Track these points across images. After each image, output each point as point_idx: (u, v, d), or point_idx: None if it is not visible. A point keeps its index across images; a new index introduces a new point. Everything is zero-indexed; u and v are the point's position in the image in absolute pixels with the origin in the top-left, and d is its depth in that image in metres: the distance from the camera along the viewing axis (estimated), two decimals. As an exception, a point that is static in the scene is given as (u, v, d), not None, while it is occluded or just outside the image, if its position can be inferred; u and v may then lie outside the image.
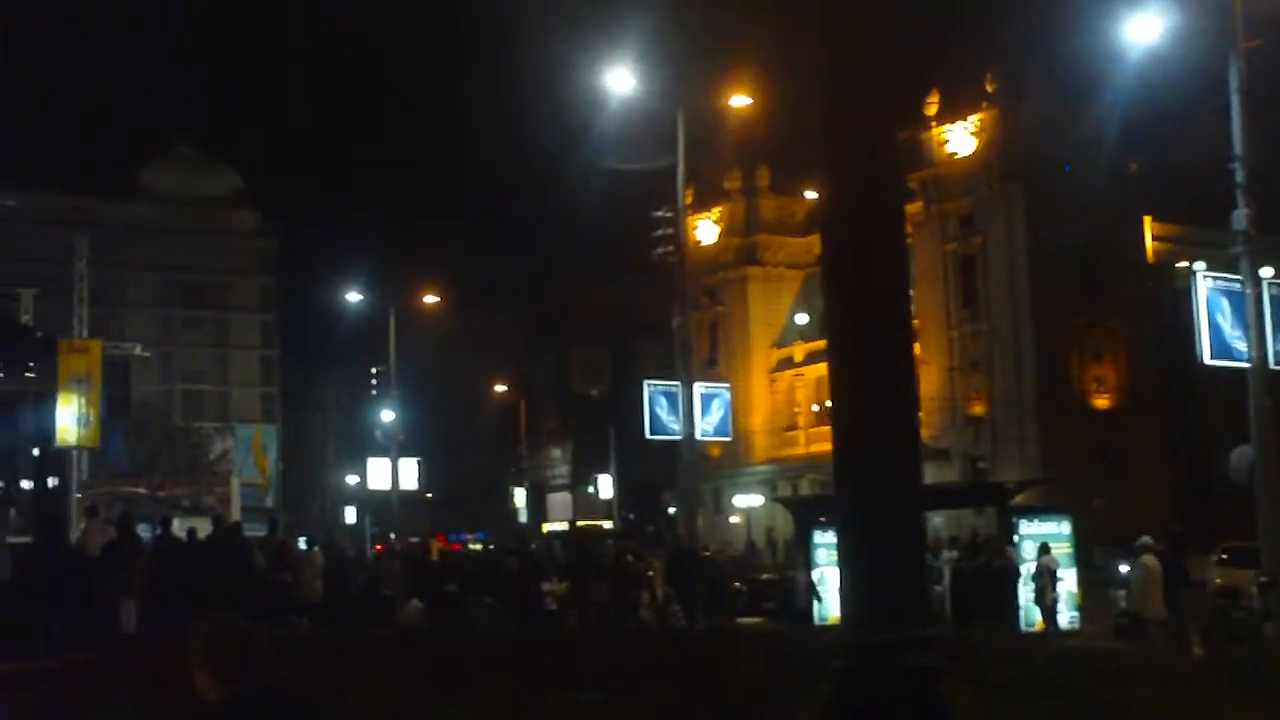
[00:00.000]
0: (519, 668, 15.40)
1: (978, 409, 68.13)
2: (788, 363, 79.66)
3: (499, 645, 19.48)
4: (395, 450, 65.07)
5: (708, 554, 36.53)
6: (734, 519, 77.29)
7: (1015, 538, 28.25)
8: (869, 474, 7.05)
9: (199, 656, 5.46)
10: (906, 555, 6.84)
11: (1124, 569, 26.61)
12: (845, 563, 7.15)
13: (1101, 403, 67.90)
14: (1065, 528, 29.17)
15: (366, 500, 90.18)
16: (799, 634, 24.92)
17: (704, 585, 31.55)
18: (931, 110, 69.59)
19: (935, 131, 69.74)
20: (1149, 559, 24.52)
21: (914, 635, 6.66)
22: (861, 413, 7.16)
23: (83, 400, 43.62)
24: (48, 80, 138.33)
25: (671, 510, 66.86)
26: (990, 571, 27.78)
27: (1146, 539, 25.41)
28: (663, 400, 48.72)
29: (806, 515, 32.47)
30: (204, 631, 5.53)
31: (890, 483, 6.90)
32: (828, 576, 28.67)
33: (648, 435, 50.83)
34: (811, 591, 28.22)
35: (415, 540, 49.42)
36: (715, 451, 68.98)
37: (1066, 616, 27.71)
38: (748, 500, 76.69)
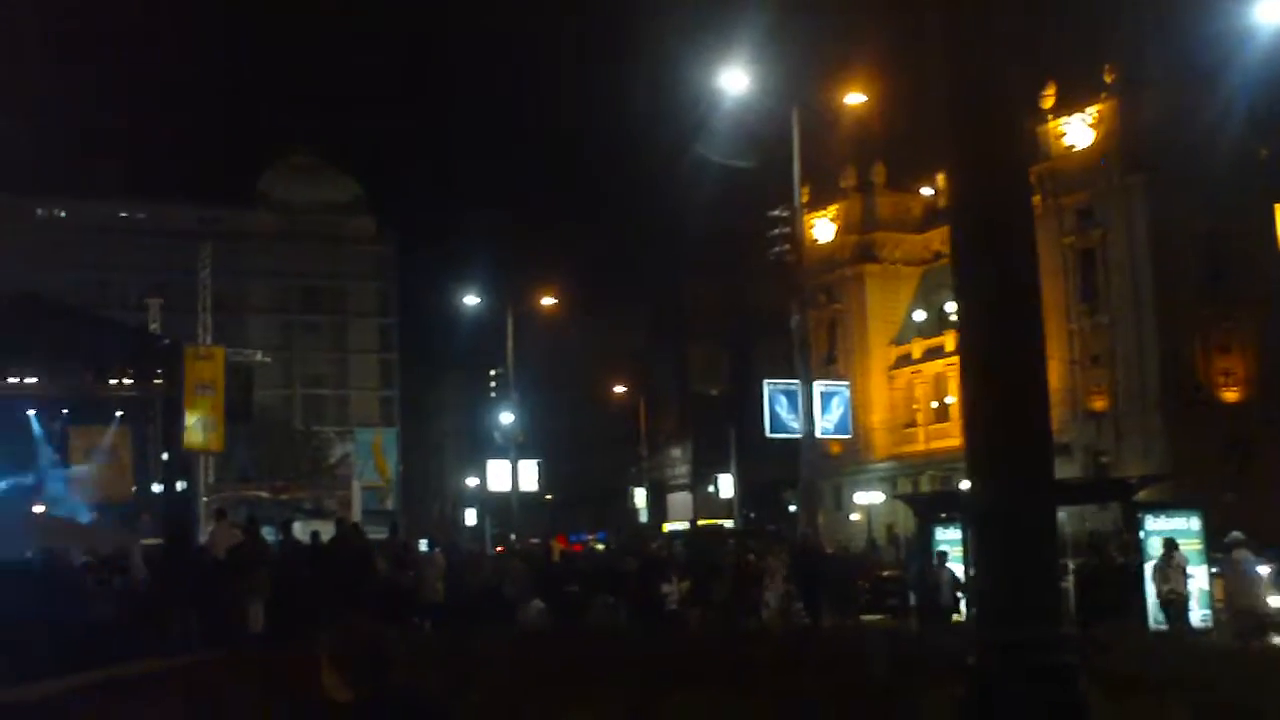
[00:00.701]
0: (640, 668, 15.35)
1: (1099, 403, 67.21)
2: (906, 360, 79.08)
3: (620, 645, 19.44)
4: (515, 452, 65.35)
5: (830, 551, 36.32)
6: (854, 516, 76.80)
7: (1141, 534, 27.75)
8: (1003, 469, 6.91)
9: (330, 658, 5.51)
10: (1040, 552, 6.71)
11: (1262, 569, 25.92)
12: (978, 559, 7.06)
13: (1230, 395, 66.65)
14: (1195, 523, 28.45)
15: (486, 502, 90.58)
16: (924, 631, 24.71)
17: (832, 583, 31.36)
18: (1047, 103, 68.72)
19: (1051, 124, 68.85)
20: (1240, 554, 24.07)
21: (1051, 633, 6.53)
22: (995, 407, 7.02)
23: (207, 405, 44.23)
24: (169, 93, 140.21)
25: (792, 508, 66.60)
26: (1115, 569, 27.33)
27: (1237, 534, 24.93)
28: (782, 399, 48.56)
29: (928, 512, 32.09)
30: (335, 634, 5.57)
31: (1024, 477, 6.76)
32: (950, 573, 28.40)
33: (768, 434, 50.68)
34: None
35: (535, 541, 49.58)
36: (835, 449, 68.59)
37: (1199, 615, 27.12)
38: (868, 497, 76.19)
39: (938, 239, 77.20)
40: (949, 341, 72.81)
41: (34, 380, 44.63)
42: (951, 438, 71.98)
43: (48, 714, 16.57)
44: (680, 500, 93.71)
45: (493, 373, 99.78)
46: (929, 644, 18.41)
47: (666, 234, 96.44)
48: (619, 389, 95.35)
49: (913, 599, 31.88)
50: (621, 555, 35.60)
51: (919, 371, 77.93)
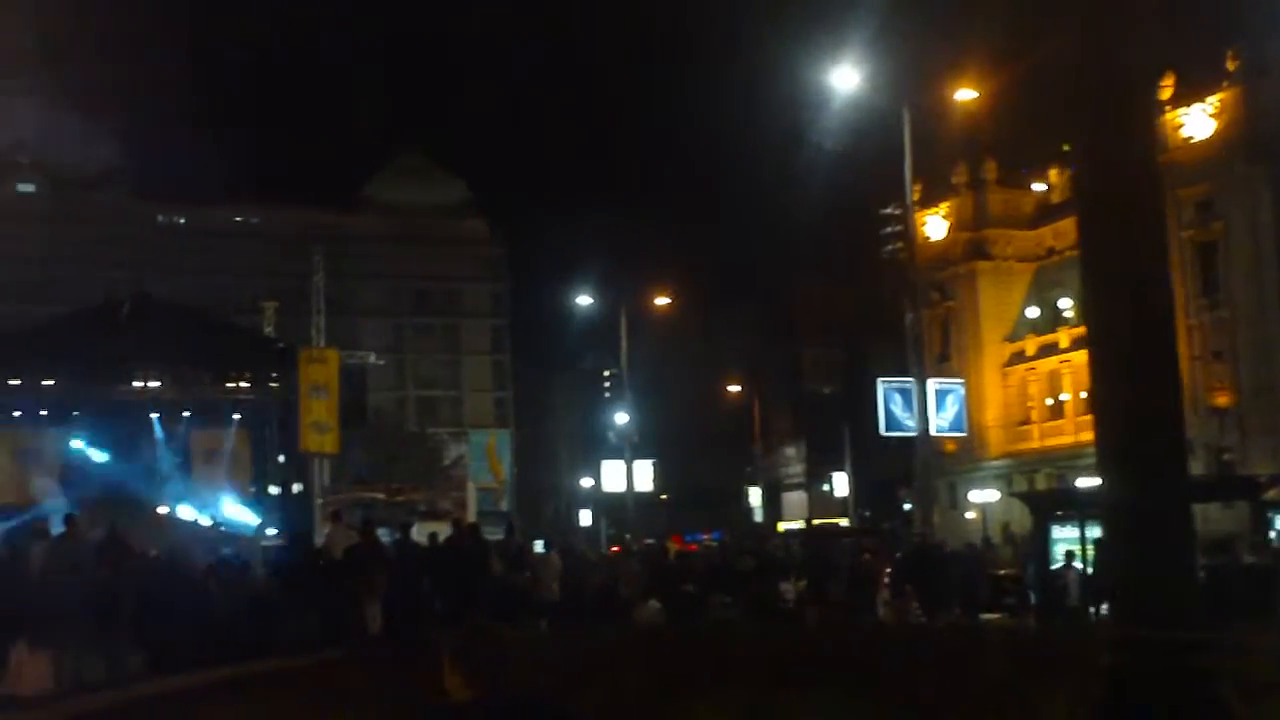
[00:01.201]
0: (758, 667, 15.29)
1: (1222, 400, 66.06)
2: (1020, 357, 78.24)
3: (738, 644, 19.37)
4: (630, 452, 65.42)
5: (949, 549, 35.97)
6: (970, 514, 76.10)
7: (1271, 533, 27.28)
8: (1136, 465, 6.75)
9: (451, 658, 5.54)
10: (1177, 550, 6.55)
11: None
12: (1110, 558, 6.92)
13: (1361, 390, 65.36)
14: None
15: (601, 502, 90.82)
16: (1046, 630, 24.43)
17: (953, 581, 31.07)
18: (1165, 94, 67.75)
19: (1169, 116, 67.85)
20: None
21: (1192, 634, 6.38)
22: (1127, 402, 6.86)
23: (322, 408, 44.64)
24: (279, 98, 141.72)
25: (907, 506, 66.19)
26: (1244, 568, 26.85)
27: None
28: (896, 397, 48.33)
29: (1045, 510, 31.78)
30: (457, 634, 5.61)
31: (1158, 473, 6.61)
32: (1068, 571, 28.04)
33: (882, 432, 50.44)
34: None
35: (650, 541, 49.60)
36: (950, 447, 68.02)
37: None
38: (983, 495, 75.50)
39: (1050, 235, 76.35)
40: (1063, 338, 72.02)
41: (156, 384, 45.31)
42: (1066, 435, 71.24)
43: (174, 709, 16.79)
44: (795, 499, 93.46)
45: (606, 373, 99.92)
46: (1051, 643, 18.20)
47: (779, 233, 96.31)
48: (733, 388, 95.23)
49: (1033, 598, 31.57)
50: (738, 555, 35.47)
51: (1033, 368, 77.09)
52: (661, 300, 69.64)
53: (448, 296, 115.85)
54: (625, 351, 61.32)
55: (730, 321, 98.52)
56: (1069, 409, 72.44)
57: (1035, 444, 76.11)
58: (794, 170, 68.51)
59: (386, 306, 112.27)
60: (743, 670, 14.81)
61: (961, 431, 55.10)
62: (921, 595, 30.41)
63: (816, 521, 78.29)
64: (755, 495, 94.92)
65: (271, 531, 40.68)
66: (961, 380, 60.24)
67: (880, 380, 50.43)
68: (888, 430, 49.68)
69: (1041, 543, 30.81)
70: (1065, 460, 68.50)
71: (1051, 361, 74.50)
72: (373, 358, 69.90)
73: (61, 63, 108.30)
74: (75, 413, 46.27)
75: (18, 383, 44.10)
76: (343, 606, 24.61)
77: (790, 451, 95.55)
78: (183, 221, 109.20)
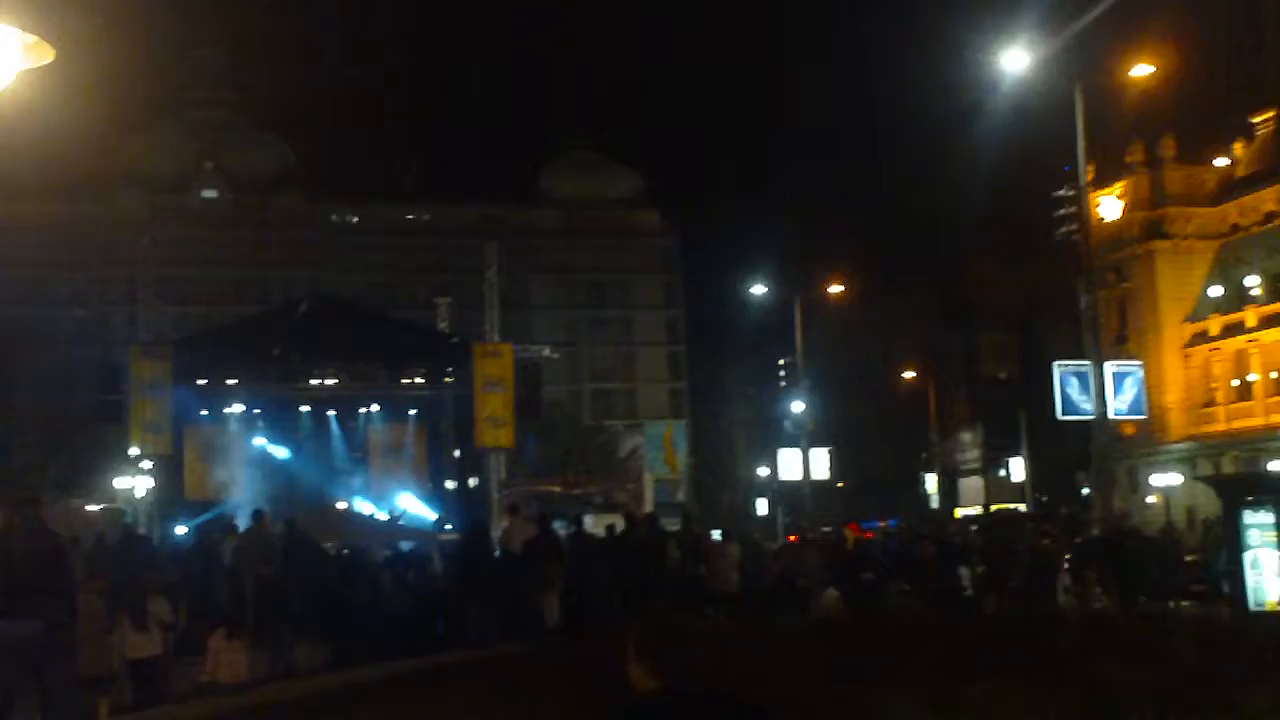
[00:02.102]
0: (940, 654, 15.06)
1: None
2: (1202, 337, 76.58)
3: (919, 633, 19.13)
4: (806, 440, 65.12)
5: (1133, 533, 35.24)
6: (1151, 499, 74.72)
7: None
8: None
9: (636, 650, 5.54)
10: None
11: None
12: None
13: None
14: None
15: (778, 491, 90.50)
16: (1239, 619, 23.78)
17: (1144, 568, 30.40)
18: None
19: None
20: None
21: None
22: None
23: (498, 402, 44.88)
24: (451, 95, 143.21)
25: (1085, 491, 65.10)
26: None
27: None
28: (1073, 380, 47.56)
29: (1234, 494, 30.92)
30: (642, 626, 5.62)
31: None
32: (1261, 559, 27.26)
33: (1059, 416, 49.69)
34: None
35: (827, 529, 49.29)
36: (1129, 430, 66.74)
37: None
38: (1165, 479, 74.07)
39: (1235, 211, 74.62)
40: (1250, 316, 70.43)
41: (333, 382, 45.98)
42: (1255, 417, 69.65)
43: (357, 702, 16.96)
44: (971, 485, 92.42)
45: (781, 362, 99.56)
46: (1246, 632, 17.74)
47: (952, 218, 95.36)
48: (908, 375, 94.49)
49: (1225, 586, 30.77)
50: (917, 542, 35.08)
51: (1217, 349, 75.39)
52: (836, 287, 69.23)
53: (621, 289, 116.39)
54: (800, 339, 61.04)
55: (905, 308, 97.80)
56: (1258, 390, 70.85)
57: (1220, 426, 74.46)
58: (966, 154, 67.75)
59: (560, 300, 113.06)
60: (925, 659, 14.59)
61: (1141, 414, 53.98)
62: (1112, 581, 29.76)
63: (995, 507, 77.33)
64: (931, 481, 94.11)
65: (448, 526, 41.02)
66: (1140, 362, 59.00)
67: (1056, 364, 49.62)
68: (1065, 414, 48.90)
69: (1232, 529, 29.98)
70: (1255, 443, 67.01)
71: (1238, 341, 72.84)
72: (547, 351, 70.29)
73: (240, 71, 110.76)
74: (257, 411, 47.12)
75: (204, 383, 45.01)
76: (521, 599, 24.75)
77: (966, 437, 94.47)
78: (356, 221, 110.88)
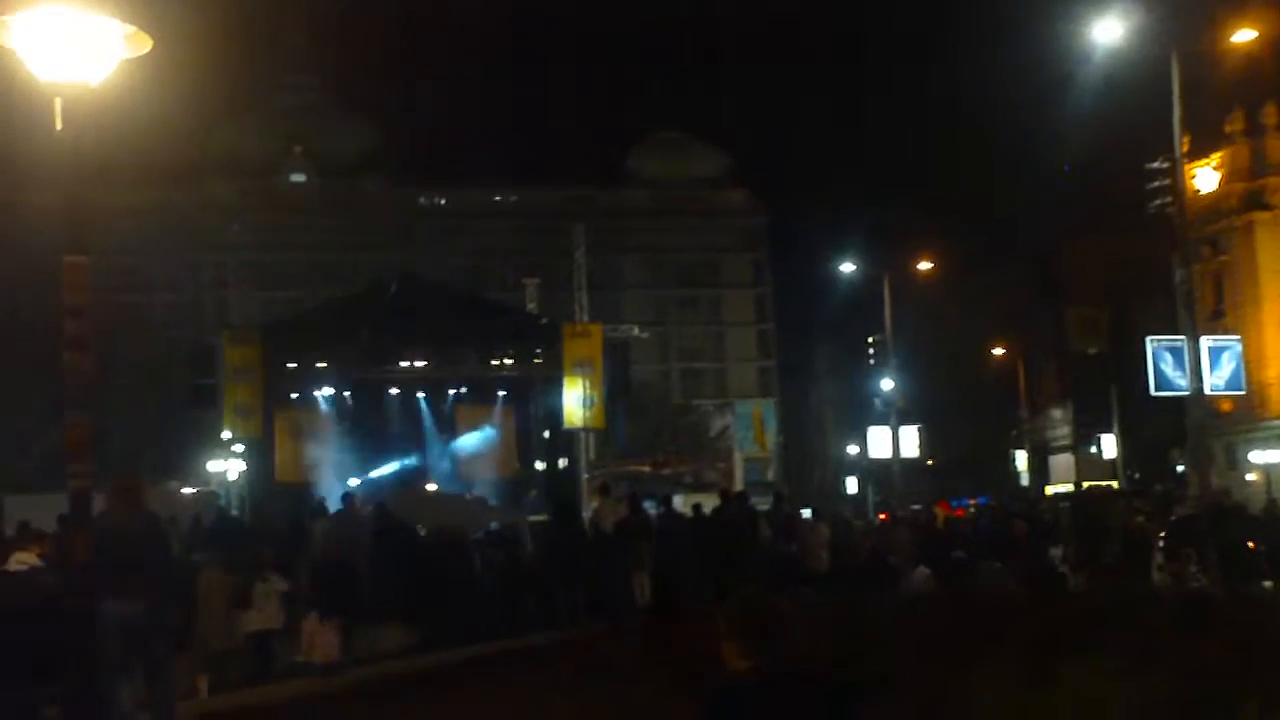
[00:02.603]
0: (1033, 633, 14.95)
1: None
2: (1305, 310, 75.53)
3: (1012, 611, 19.00)
4: (895, 418, 64.83)
5: (1236, 511, 34.74)
6: (1251, 476, 73.73)
7: None
8: None
9: (728, 629, 5.56)
10: None
11: None
12: None
13: None
14: None
15: (867, 469, 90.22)
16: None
17: (1247, 546, 29.96)
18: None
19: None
20: None
21: None
22: None
23: (586, 383, 44.90)
24: (538, 76, 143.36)
25: (1180, 468, 64.39)
26: None
27: None
28: (1167, 356, 47.02)
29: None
30: (734, 605, 5.63)
31: None
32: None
33: (1152, 392, 49.14)
34: None
35: (917, 507, 49.08)
36: (1226, 406, 65.83)
37: None
38: (1265, 456, 73.05)
39: (1339, 181, 73.44)
40: (1354, 290, 69.41)
41: (422, 364, 46.18)
42: (1360, 391, 68.69)
43: (449, 681, 17.07)
44: (1062, 462, 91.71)
45: (870, 339, 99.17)
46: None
47: (1042, 192, 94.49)
48: (997, 351, 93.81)
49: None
50: (1009, 519, 34.84)
51: (1320, 322, 74.34)
52: (924, 264, 68.80)
53: (709, 268, 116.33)
54: (889, 316, 60.73)
55: (994, 283, 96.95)
56: (1366, 365, 69.86)
57: (1325, 402, 73.43)
58: (1057, 125, 67.12)
59: (648, 280, 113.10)
60: (1019, 638, 14.48)
61: (1239, 390, 53.23)
62: (1211, 560, 29.37)
63: (1087, 484, 76.63)
64: (1021, 459, 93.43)
65: (538, 507, 41.15)
66: (1238, 337, 58.19)
67: (1150, 339, 49.04)
68: (1158, 390, 48.34)
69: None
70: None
71: (1340, 314, 71.79)
72: (636, 331, 70.32)
73: (327, 56, 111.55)
74: (346, 393, 47.45)
75: (293, 366, 45.36)
76: (611, 579, 24.82)
77: (1056, 414, 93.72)
78: (443, 203, 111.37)
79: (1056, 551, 31.76)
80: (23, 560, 11.71)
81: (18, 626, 10.93)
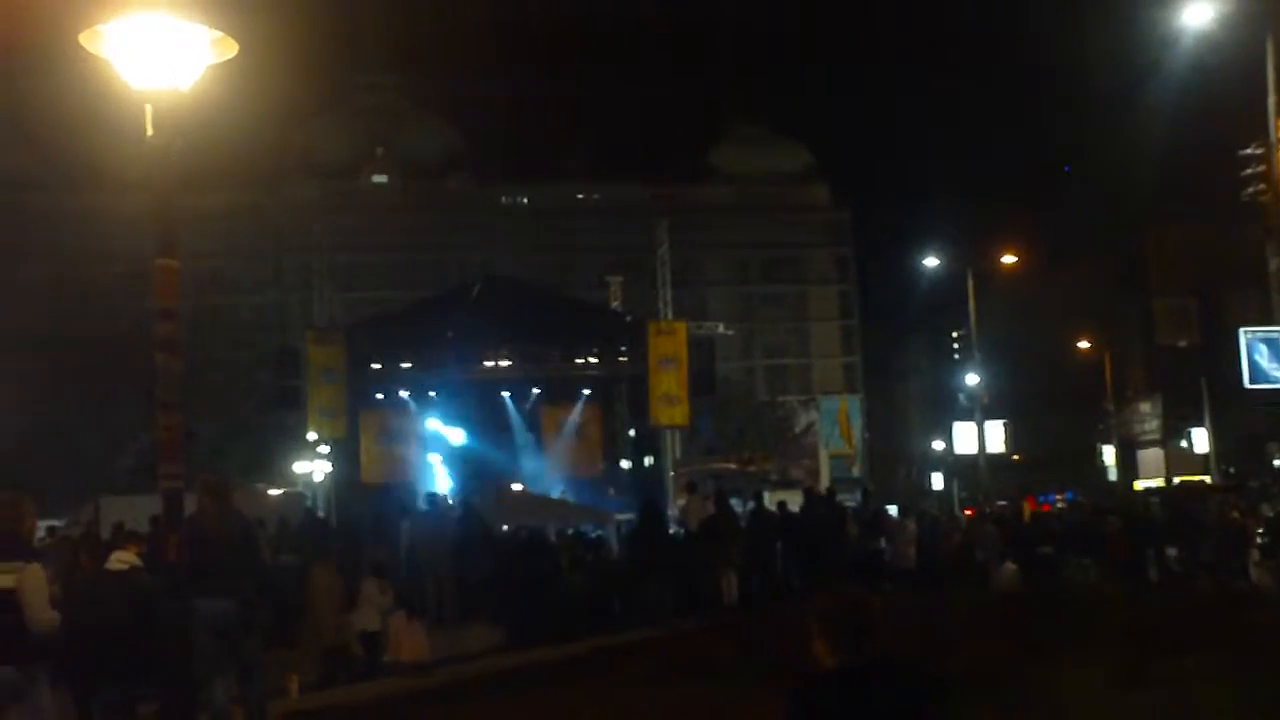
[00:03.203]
0: (1126, 631, 14.79)
1: None
2: None
3: (1103, 606, 18.82)
4: (980, 413, 64.44)
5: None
6: (1350, 470, 72.64)
7: None
8: None
9: (817, 625, 5.54)
10: None
11: None
12: None
13: None
14: None
15: (952, 465, 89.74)
16: None
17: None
18: None
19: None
20: None
21: None
22: None
23: (672, 380, 44.78)
24: (620, 73, 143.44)
25: (1277, 463, 63.59)
26: None
27: None
28: (1261, 348, 46.38)
29: None
30: (823, 602, 5.61)
31: None
32: None
33: (1245, 385, 48.50)
34: None
35: (1003, 503, 48.77)
36: (1324, 398, 64.95)
37: None
38: (1365, 450, 71.94)
39: None
40: None
41: (507, 363, 46.24)
42: None
43: (537, 679, 17.10)
44: (1151, 457, 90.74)
45: (954, 334, 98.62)
46: None
47: (1129, 182, 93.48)
48: (1083, 344, 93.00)
49: None
50: (1100, 515, 34.48)
51: None
52: (1008, 257, 68.30)
53: (793, 264, 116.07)
54: (973, 311, 60.34)
55: (1079, 275, 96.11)
56: None
57: None
58: (1144, 113, 66.44)
59: (732, 276, 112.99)
60: (1110, 635, 14.33)
61: (1342, 381, 52.45)
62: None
63: (1179, 479, 75.80)
64: (1109, 453, 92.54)
65: (624, 505, 41.15)
66: (1338, 327, 57.39)
67: (1243, 330, 48.39)
68: (1252, 383, 47.66)
69: None
70: None
71: None
72: (721, 328, 70.20)
73: (408, 56, 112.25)
74: (431, 393, 47.61)
75: (378, 367, 45.53)
76: (698, 577, 24.80)
77: (1145, 407, 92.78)
78: (526, 201, 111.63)
79: (1172, 551, 31.26)
80: (123, 560, 11.84)
81: (118, 624, 11.07)
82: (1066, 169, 62.68)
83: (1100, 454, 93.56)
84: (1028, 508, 42.68)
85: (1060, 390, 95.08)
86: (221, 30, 9.49)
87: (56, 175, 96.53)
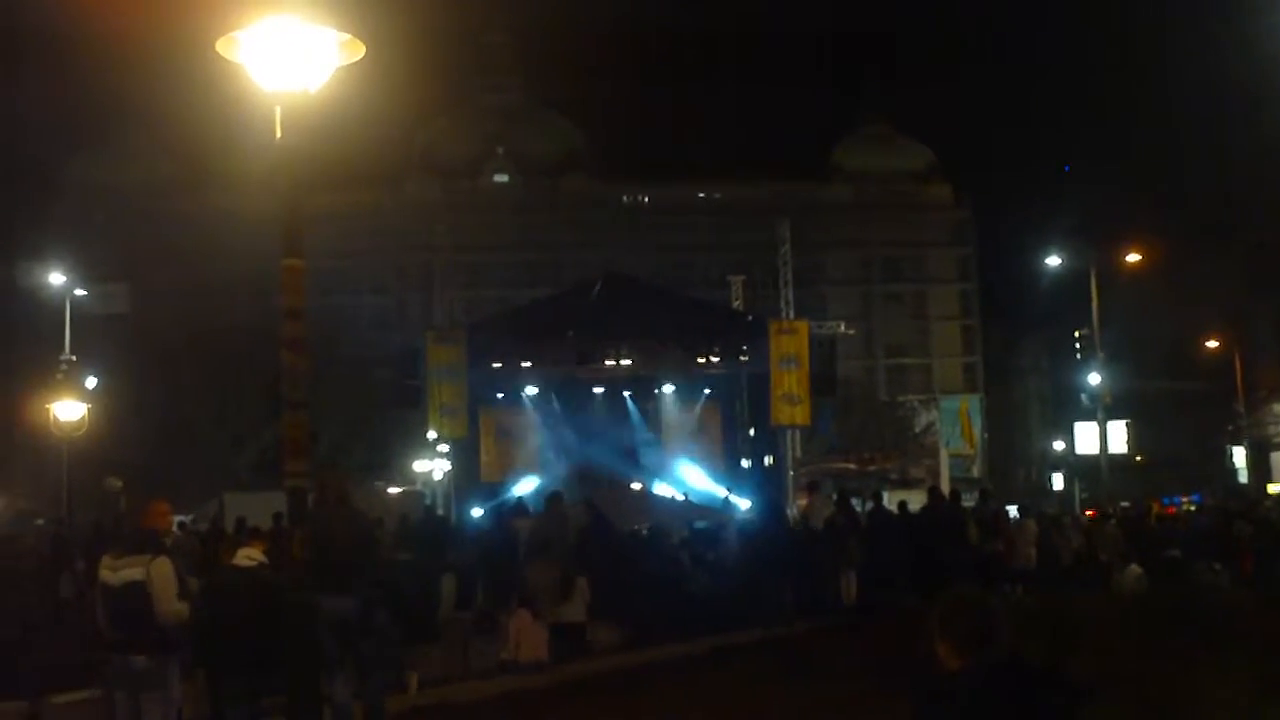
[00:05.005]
0: (1265, 638, 14.52)
1: None
2: None
3: (1239, 614, 18.49)
4: (1103, 413, 63.65)
5: None
6: None
7: None
8: None
9: (941, 628, 5.54)
10: None
11: None
12: None
13: None
14: None
15: (1074, 465, 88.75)
16: None
17: None
18: None
19: None
20: None
21: None
22: None
23: (793, 380, 44.68)
24: (740, 74, 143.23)
25: None
26: None
27: None
28: (1401, 345, 45.51)
29: None
30: (944, 604, 5.62)
31: None
32: None
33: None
34: None
35: (1125, 504, 48.12)
36: None
37: None
38: None
39: None
40: None
41: (628, 362, 46.34)
42: None
43: (658, 679, 17.11)
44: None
45: (1077, 334, 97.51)
46: None
47: (1261, 174, 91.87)
48: (1211, 344, 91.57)
49: None
50: (1232, 519, 33.86)
51: None
52: (1133, 255, 67.38)
53: (914, 263, 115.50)
54: (1096, 310, 59.62)
55: (1207, 273, 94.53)
56: None
57: None
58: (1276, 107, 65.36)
59: (853, 275, 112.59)
60: (1248, 643, 14.06)
61: None
62: None
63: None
64: (1239, 455, 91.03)
65: (745, 504, 41.07)
66: None
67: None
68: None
69: None
70: None
71: None
72: (842, 327, 69.92)
73: (528, 55, 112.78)
74: (552, 392, 47.81)
75: (498, 366, 45.79)
76: (818, 577, 24.72)
77: (1278, 408, 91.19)
78: (646, 200, 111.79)
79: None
80: (250, 556, 12.02)
81: (246, 619, 11.24)
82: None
83: (1230, 456, 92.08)
84: (1154, 509, 42.01)
85: (1186, 390, 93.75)
86: (350, 33, 9.60)
87: (188, 179, 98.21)
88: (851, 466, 56.87)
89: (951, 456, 76.29)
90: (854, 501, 29.90)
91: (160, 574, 10.63)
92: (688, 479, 47.73)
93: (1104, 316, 61.10)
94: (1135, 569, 28.46)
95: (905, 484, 52.43)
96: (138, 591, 10.61)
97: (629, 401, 48.69)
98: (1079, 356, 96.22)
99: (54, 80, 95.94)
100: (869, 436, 74.43)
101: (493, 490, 44.52)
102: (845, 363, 76.37)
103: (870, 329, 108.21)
